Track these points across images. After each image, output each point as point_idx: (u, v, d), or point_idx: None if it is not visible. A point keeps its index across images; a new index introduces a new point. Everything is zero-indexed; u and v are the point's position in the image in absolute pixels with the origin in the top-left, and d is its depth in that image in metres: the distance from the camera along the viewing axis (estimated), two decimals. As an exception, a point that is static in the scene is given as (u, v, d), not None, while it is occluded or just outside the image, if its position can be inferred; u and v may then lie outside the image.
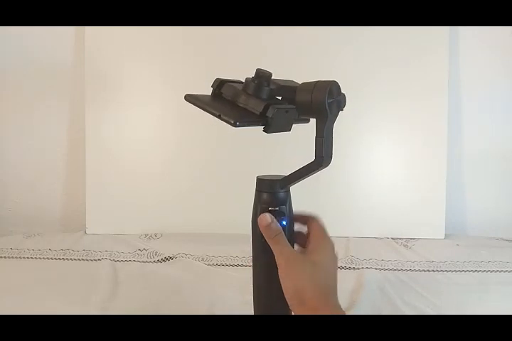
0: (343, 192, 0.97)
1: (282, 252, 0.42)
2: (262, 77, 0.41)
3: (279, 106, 0.41)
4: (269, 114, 0.40)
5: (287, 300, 0.41)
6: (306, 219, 0.46)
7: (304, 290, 0.40)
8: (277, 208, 0.43)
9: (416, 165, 0.97)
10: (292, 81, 0.45)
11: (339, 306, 0.41)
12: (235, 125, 0.38)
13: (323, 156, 0.41)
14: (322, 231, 0.45)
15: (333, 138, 0.42)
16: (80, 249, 0.86)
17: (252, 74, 0.43)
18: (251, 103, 0.41)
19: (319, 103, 0.40)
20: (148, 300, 0.67)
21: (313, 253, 0.43)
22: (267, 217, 0.43)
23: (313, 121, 0.43)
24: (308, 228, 0.46)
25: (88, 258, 0.83)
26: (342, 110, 0.44)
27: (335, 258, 0.44)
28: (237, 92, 0.42)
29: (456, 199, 1.03)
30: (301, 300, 0.40)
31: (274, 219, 0.43)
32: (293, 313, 0.41)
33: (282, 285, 0.41)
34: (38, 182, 1.05)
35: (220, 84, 0.44)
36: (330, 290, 0.41)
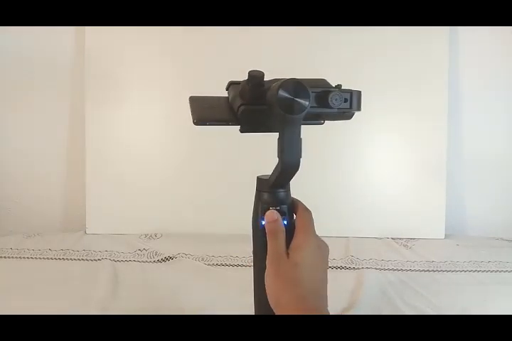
0: (343, 192, 0.97)
1: (272, 252, 0.42)
2: (254, 78, 0.41)
3: (251, 107, 0.40)
4: (239, 114, 0.40)
5: (269, 302, 0.41)
6: (295, 211, 0.45)
7: (280, 294, 0.40)
8: (278, 208, 0.44)
9: (416, 165, 0.97)
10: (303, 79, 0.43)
11: (320, 309, 0.40)
12: (196, 124, 0.41)
13: (283, 159, 0.40)
14: (308, 226, 0.44)
15: (300, 140, 0.40)
16: (80, 249, 0.86)
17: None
18: (234, 104, 0.42)
19: (272, 102, 0.38)
20: (148, 300, 0.67)
21: (296, 251, 0.41)
22: (274, 214, 0.43)
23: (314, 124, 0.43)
24: (295, 221, 0.44)
25: (88, 258, 0.83)
26: (358, 110, 0.43)
27: (320, 256, 0.43)
28: (234, 94, 0.42)
29: (456, 200, 1.03)
30: (279, 305, 0.40)
31: (280, 219, 0.43)
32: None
33: (265, 286, 0.41)
34: (38, 182, 1.05)
35: (228, 87, 0.44)
36: (310, 293, 0.40)
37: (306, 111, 0.39)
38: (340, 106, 0.42)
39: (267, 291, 0.41)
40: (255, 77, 0.41)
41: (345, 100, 0.42)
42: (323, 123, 0.43)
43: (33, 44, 1.01)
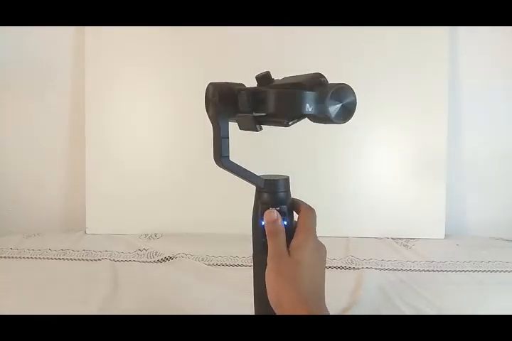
0: (344, 192, 0.97)
1: (273, 251, 0.42)
2: (260, 79, 0.42)
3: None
4: None
5: (269, 301, 0.41)
6: (298, 210, 0.45)
7: (281, 293, 0.40)
8: (278, 208, 0.44)
9: (416, 165, 0.97)
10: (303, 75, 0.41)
11: (321, 309, 0.40)
12: None
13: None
14: (310, 227, 0.44)
15: (219, 140, 0.42)
16: (80, 249, 0.86)
17: (251, 74, 0.43)
18: None
19: None
20: (148, 300, 0.67)
21: (297, 250, 0.42)
22: (274, 214, 0.43)
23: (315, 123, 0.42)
24: (298, 220, 0.45)
25: (88, 258, 0.83)
26: (268, 111, 0.39)
27: (320, 256, 0.43)
28: None
29: (456, 200, 1.03)
30: (279, 304, 0.40)
31: (280, 218, 0.43)
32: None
33: (266, 284, 0.41)
34: (38, 183, 1.05)
35: None
36: (310, 290, 0.40)
37: (211, 112, 0.41)
38: (256, 109, 0.40)
39: (268, 288, 0.41)
40: (256, 78, 0.42)
41: (262, 101, 0.39)
42: (287, 125, 0.41)
43: (33, 44, 1.01)
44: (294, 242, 0.43)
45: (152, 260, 0.82)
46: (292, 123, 0.41)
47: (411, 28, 0.90)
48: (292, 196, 0.46)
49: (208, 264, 0.80)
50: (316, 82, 0.39)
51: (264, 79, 0.42)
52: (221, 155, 0.43)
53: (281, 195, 0.44)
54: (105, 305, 0.64)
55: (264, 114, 0.40)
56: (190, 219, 0.98)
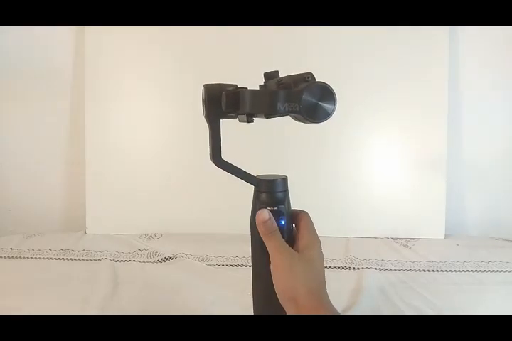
0: (344, 192, 0.97)
1: (278, 249, 0.42)
2: (266, 76, 0.42)
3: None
4: None
5: (279, 298, 0.41)
6: (295, 215, 0.46)
7: (296, 289, 0.40)
8: (276, 208, 0.43)
9: (416, 165, 0.97)
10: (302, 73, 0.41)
11: (331, 305, 0.41)
12: None
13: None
14: (311, 227, 0.45)
15: (210, 138, 0.44)
16: (79, 249, 0.86)
17: (250, 74, 0.43)
18: None
19: None
20: (148, 300, 0.67)
21: (307, 249, 0.43)
22: (264, 214, 0.43)
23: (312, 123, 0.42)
24: (297, 224, 0.45)
25: (88, 258, 0.83)
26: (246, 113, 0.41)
27: (322, 255, 0.44)
28: None
29: (456, 200, 1.03)
30: (293, 300, 0.40)
31: (272, 217, 0.43)
32: (286, 313, 0.41)
33: (274, 283, 0.41)
34: (38, 183, 1.05)
35: None
36: (321, 289, 0.42)
37: (204, 113, 0.42)
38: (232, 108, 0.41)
39: (280, 286, 0.41)
40: (264, 75, 0.42)
41: (240, 101, 0.41)
42: (267, 117, 0.42)
43: (33, 44, 1.01)
44: (301, 243, 0.43)
45: (152, 260, 0.82)
46: (271, 117, 0.41)
47: (411, 28, 0.90)
48: (292, 196, 0.46)
49: (208, 264, 0.80)
50: (299, 81, 0.39)
51: (270, 76, 0.42)
52: (213, 154, 0.44)
53: (279, 194, 0.44)
54: (105, 305, 0.64)
55: (245, 114, 0.41)
56: (190, 219, 0.98)
